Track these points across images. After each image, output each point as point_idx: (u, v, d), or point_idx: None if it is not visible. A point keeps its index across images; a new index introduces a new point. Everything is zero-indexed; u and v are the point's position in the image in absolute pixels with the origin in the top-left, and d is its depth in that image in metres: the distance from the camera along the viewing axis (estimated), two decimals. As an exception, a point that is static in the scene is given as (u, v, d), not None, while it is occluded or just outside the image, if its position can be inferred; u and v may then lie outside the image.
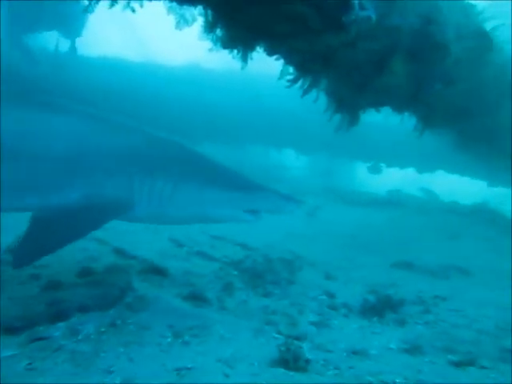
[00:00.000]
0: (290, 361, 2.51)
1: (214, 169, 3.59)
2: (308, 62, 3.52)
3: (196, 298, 3.49)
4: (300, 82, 4.04)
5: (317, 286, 4.47)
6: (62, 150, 3.21)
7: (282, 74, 3.95)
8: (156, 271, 4.00)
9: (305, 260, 5.55)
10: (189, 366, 2.34)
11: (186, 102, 12.18)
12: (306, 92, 4.08)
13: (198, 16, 3.28)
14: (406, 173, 17.61)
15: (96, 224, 3.03)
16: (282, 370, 2.45)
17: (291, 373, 2.41)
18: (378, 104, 4.54)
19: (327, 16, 2.42)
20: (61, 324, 2.60)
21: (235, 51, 3.51)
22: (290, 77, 3.98)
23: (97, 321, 2.71)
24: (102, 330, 2.61)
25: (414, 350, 2.91)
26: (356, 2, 2.32)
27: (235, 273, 4.48)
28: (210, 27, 3.23)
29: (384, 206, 11.85)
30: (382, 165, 17.59)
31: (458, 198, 14.18)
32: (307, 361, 2.51)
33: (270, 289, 4.11)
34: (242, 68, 3.70)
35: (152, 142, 3.60)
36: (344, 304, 3.90)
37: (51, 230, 2.89)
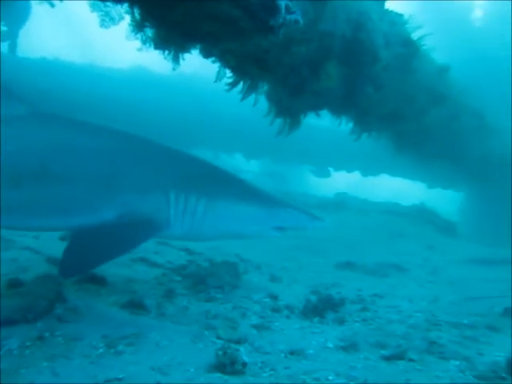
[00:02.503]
0: (227, 365, 2.49)
1: (242, 186, 3.64)
2: (242, 65, 3.55)
3: (134, 305, 3.38)
4: (240, 86, 4.07)
5: (261, 288, 4.49)
6: (96, 170, 3.25)
7: (219, 76, 3.96)
8: (93, 280, 3.82)
9: (250, 263, 5.59)
10: (120, 376, 2.25)
11: (132, 105, 11.87)
12: (245, 96, 4.12)
13: (125, 14, 3.20)
14: (353, 176, 18.33)
15: (133, 243, 3.13)
16: (217, 375, 2.43)
17: (226, 377, 2.39)
18: (315, 107, 4.68)
19: (255, 18, 2.45)
20: (-20, 340, 2.42)
21: (166, 52, 3.46)
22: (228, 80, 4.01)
23: (22, 335, 2.54)
24: (27, 344, 2.45)
25: (349, 347, 2.99)
26: (282, 4, 2.37)
27: (178, 278, 4.40)
28: (137, 26, 3.16)
29: (331, 209, 12.20)
30: (330, 169, 18.20)
31: (400, 199, 14.91)
32: (244, 364, 2.50)
33: (213, 293, 4.07)
34: (174, 69, 3.67)
35: (181, 158, 3.62)
36: (287, 306, 3.94)
37: (90, 248, 2.97)
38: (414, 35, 5.09)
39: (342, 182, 20.45)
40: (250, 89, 4.05)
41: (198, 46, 3.42)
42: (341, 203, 13.09)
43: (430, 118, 6.52)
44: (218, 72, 3.93)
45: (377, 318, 3.76)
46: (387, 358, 2.76)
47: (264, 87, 4.33)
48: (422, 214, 11.77)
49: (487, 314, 3.88)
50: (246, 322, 3.43)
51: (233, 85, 4.00)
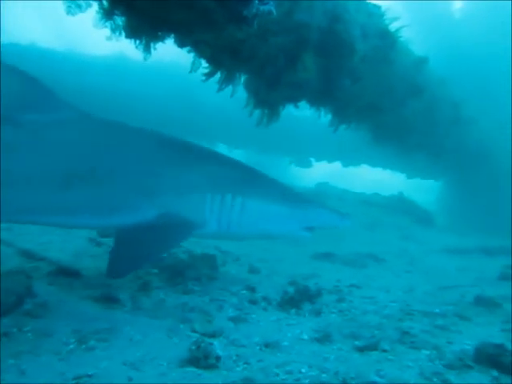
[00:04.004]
0: (201, 359, 2.48)
1: (275, 186, 3.79)
2: (218, 55, 3.50)
3: (108, 299, 3.34)
4: (217, 77, 4.00)
5: (239, 280, 4.48)
6: (138, 171, 3.39)
7: (194, 66, 3.90)
8: (67, 273, 3.76)
9: (229, 255, 5.57)
10: (90, 372, 2.22)
11: (110, 94, 11.60)
12: (222, 87, 4.06)
13: (92, 1, 3.09)
14: (334, 166, 18.44)
15: (172, 242, 3.33)
16: (191, 369, 2.42)
17: (200, 371, 2.39)
18: (293, 99, 4.67)
19: (228, 8, 2.41)
20: None
21: (138, 41, 3.38)
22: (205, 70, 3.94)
23: (-13, 332, 2.47)
24: (-8, 341, 2.39)
25: (324, 338, 3.02)
26: (255, -6, 2.34)
27: (155, 271, 4.34)
28: (106, 14, 3.07)
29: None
30: (312, 159, 18.27)
31: (380, 189, 15.09)
32: (218, 358, 2.50)
33: (191, 286, 4.04)
34: (145, 59, 3.60)
35: (216, 159, 3.75)
36: (264, 297, 3.94)
37: (134, 248, 3.13)
38: (392, 27, 5.12)
39: (324, 172, 20.58)
40: (227, 80, 4.01)
41: (172, 36, 3.36)
42: (322, 193, 13.16)
43: (408, 110, 6.59)
44: (193, 62, 3.87)
45: (353, 309, 3.79)
46: (360, 349, 2.79)
47: (242, 78, 4.29)
48: (400, 205, 11.96)
49: (458, 303, 3.98)
50: (222, 314, 3.42)
51: (209, 75, 3.96)
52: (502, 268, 5.53)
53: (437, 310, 3.69)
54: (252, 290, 4.15)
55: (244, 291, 4.10)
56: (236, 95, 5.00)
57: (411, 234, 9.23)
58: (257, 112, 4.86)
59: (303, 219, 3.76)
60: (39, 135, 3.32)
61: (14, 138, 3.24)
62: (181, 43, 3.46)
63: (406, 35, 5.42)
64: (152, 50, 3.47)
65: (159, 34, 3.20)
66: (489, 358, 2.46)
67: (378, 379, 2.32)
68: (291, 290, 4.04)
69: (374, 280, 5.11)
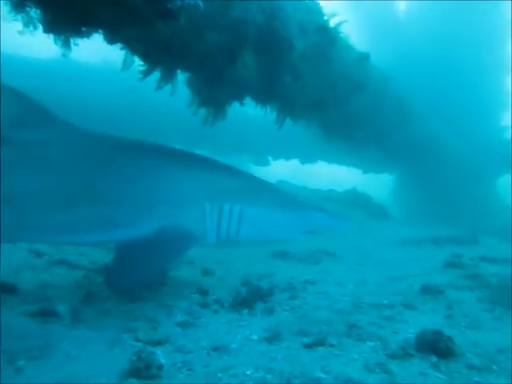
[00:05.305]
0: (142, 369, 2.37)
1: (272, 192, 3.83)
2: (151, 52, 3.38)
3: (46, 313, 3.13)
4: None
5: (191, 284, 4.36)
6: (138, 184, 3.36)
7: (126, 64, 3.75)
8: (1, 288, 3.50)
9: (182, 258, 5.42)
10: (16, 396, 2.05)
11: (54, 98, 11.07)
12: (160, 85, 3.93)
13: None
14: (291, 164, 18.62)
15: (173, 255, 3.34)
16: (132, 381, 2.30)
17: (141, 382, 2.27)
18: (236, 96, 4.62)
19: (152, 1, 2.31)
20: None
21: (55, 36, 3.18)
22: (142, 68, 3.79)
23: None
24: None
25: (273, 338, 2.98)
26: (178, -13, 2.26)
27: (101, 280, 4.15)
28: (15, 6, 2.85)
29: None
30: (269, 157, 18.35)
31: (337, 186, 15.39)
32: (159, 366, 2.39)
33: (139, 293, 3.89)
34: (64, 55, 3.41)
35: (213, 167, 3.75)
36: (216, 300, 3.85)
37: (134, 261, 3.14)
38: (331, 23, 5.18)
39: (282, 170, 20.74)
40: (165, 78, 3.88)
41: (101, 32, 3.20)
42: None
43: (353, 106, 6.74)
44: (125, 60, 3.71)
45: (305, 305, 3.77)
46: (308, 346, 2.77)
47: (184, 76, 4.18)
48: (355, 199, 12.25)
49: (407, 293, 4.07)
50: (171, 320, 3.31)
51: (146, 73, 3.82)
52: (449, 256, 5.74)
53: (385, 301, 3.75)
54: (204, 293, 4.05)
55: (195, 295, 3.99)
56: (186, 94, 4.89)
57: (366, 228, 9.44)
58: (202, 111, 4.78)
59: (302, 223, 3.84)
60: (37, 154, 3.28)
61: (11, 157, 3.16)
62: (110, 40, 3.31)
63: (352, 37, 5.50)
64: (72, 45, 3.27)
65: (83, 29, 3.02)
66: (428, 344, 2.52)
67: (322, 375, 2.30)
68: (244, 290, 3.98)
69: (328, 275, 5.14)
